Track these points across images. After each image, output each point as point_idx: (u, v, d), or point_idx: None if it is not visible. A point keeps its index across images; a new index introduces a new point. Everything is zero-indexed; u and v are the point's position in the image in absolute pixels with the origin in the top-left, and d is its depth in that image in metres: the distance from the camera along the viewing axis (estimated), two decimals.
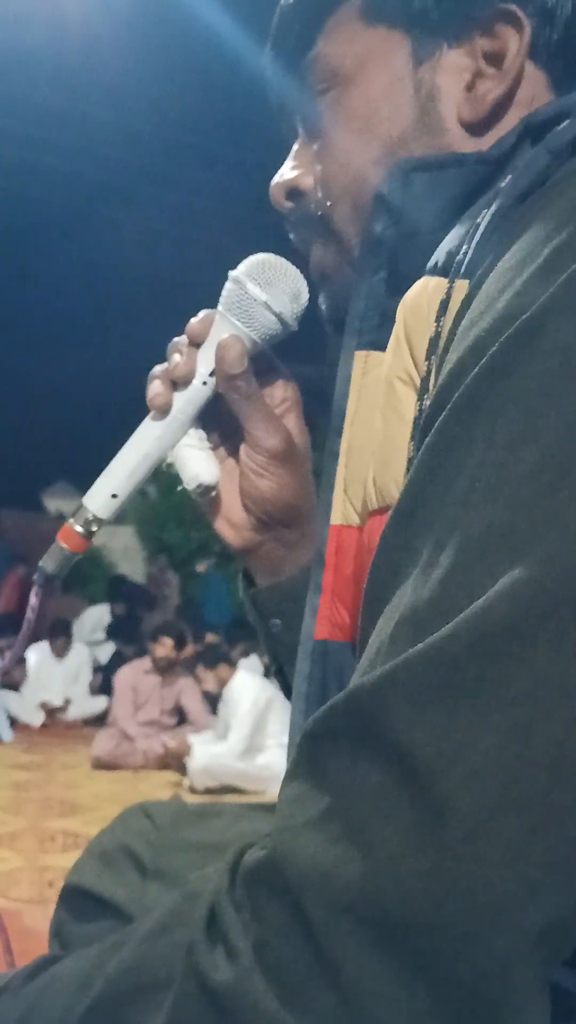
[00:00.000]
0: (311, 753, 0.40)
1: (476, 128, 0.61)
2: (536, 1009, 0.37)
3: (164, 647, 5.76)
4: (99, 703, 6.80)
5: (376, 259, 0.59)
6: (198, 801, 1.08)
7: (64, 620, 7.62)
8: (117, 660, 7.17)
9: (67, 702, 6.90)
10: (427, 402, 0.47)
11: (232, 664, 5.44)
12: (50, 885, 2.90)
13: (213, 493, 0.72)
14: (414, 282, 0.52)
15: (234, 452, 0.73)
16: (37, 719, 6.69)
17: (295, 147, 0.69)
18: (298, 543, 0.74)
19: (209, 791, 4.67)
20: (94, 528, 0.70)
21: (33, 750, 5.74)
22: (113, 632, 8.40)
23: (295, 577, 0.73)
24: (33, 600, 0.69)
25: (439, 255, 0.51)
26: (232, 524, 0.74)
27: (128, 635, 8.01)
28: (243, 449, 0.71)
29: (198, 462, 0.71)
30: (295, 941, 0.37)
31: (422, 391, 0.49)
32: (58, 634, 7.17)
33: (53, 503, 12.25)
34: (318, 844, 0.37)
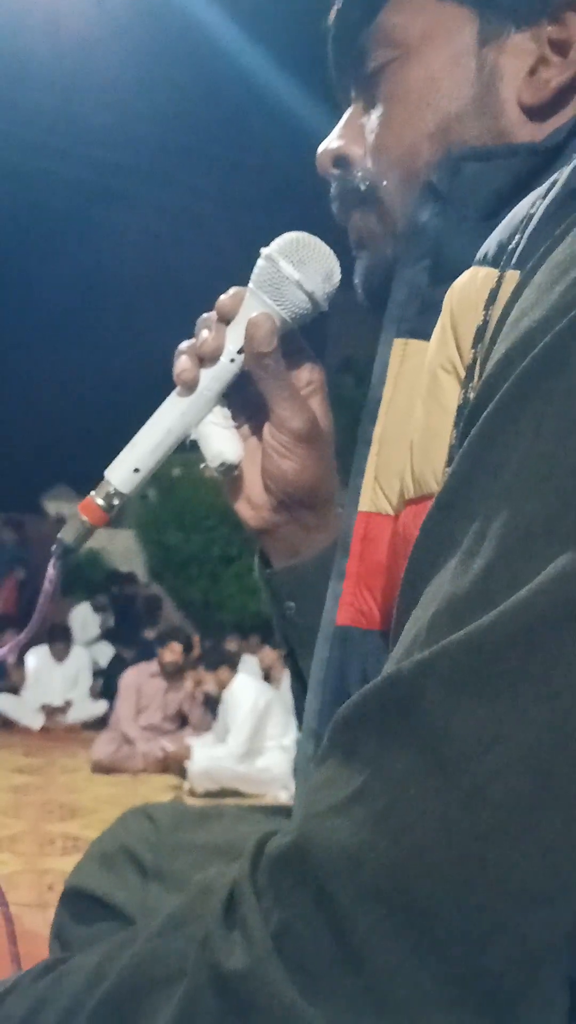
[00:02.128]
0: (342, 739, 0.40)
1: (534, 114, 0.61)
2: (558, 1003, 0.36)
3: (173, 652, 5.76)
4: (99, 706, 6.80)
5: (420, 247, 0.59)
6: (198, 804, 1.08)
7: (64, 624, 7.62)
8: (117, 664, 7.17)
9: (67, 704, 6.89)
10: (471, 391, 0.47)
11: (233, 667, 5.44)
12: (50, 888, 2.90)
13: (235, 472, 0.72)
14: (457, 271, 0.51)
15: (258, 432, 0.73)
16: (37, 722, 6.69)
17: (346, 115, 0.69)
18: (317, 526, 0.73)
19: (209, 794, 4.67)
20: (115, 502, 0.70)
21: (33, 753, 5.74)
22: (112, 635, 8.41)
23: (312, 560, 0.73)
24: (51, 571, 0.69)
25: (489, 245, 0.50)
26: (252, 504, 0.74)
27: (128, 638, 8.02)
28: (267, 428, 0.71)
29: (222, 440, 0.70)
30: (318, 927, 0.36)
31: (467, 380, 0.48)
32: (57, 637, 7.17)
33: (53, 506, 12.24)
34: (344, 829, 0.36)
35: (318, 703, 0.59)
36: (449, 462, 0.48)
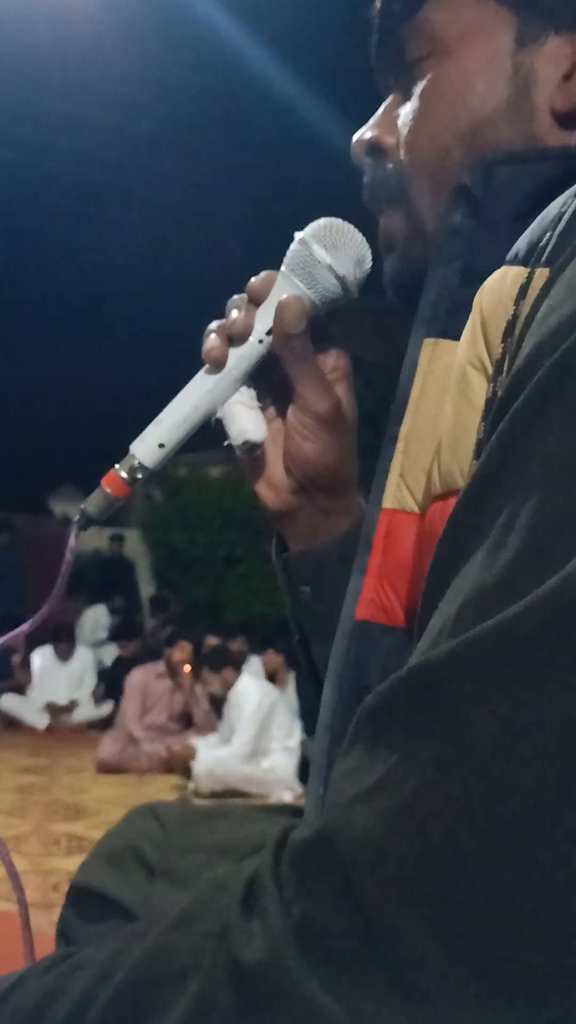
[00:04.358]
0: (367, 729, 0.39)
1: (566, 120, 0.61)
2: None
3: (183, 651, 5.76)
4: (104, 706, 6.81)
5: (452, 249, 0.59)
6: (204, 804, 1.08)
7: (67, 623, 7.63)
8: (120, 665, 7.18)
9: (72, 704, 6.90)
10: (500, 385, 0.47)
11: (238, 667, 5.44)
12: (55, 888, 2.90)
13: (258, 452, 0.72)
14: (488, 272, 0.52)
15: (282, 415, 0.73)
16: (42, 722, 6.70)
17: (384, 105, 0.69)
18: (335, 511, 0.74)
19: (214, 794, 4.67)
20: (139, 476, 0.70)
21: (38, 753, 5.74)
22: (116, 635, 8.42)
23: (329, 545, 0.73)
24: (72, 542, 0.69)
25: (520, 245, 0.51)
26: (272, 486, 0.74)
27: (130, 637, 8.02)
28: (291, 410, 0.72)
29: (247, 419, 0.71)
30: (342, 917, 0.35)
31: (496, 373, 0.48)
32: (62, 637, 7.18)
33: (59, 506, 12.26)
34: (369, 817, 0.36)
35: (334, 697, 0.59)
36: (476, 456, 0.48)
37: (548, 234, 0.48)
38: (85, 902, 0.78)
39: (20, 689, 6.95)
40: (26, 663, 7.10)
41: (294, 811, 0.86)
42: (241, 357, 0.70)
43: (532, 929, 0.33)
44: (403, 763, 0.36)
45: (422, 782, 0.35)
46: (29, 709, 6.76)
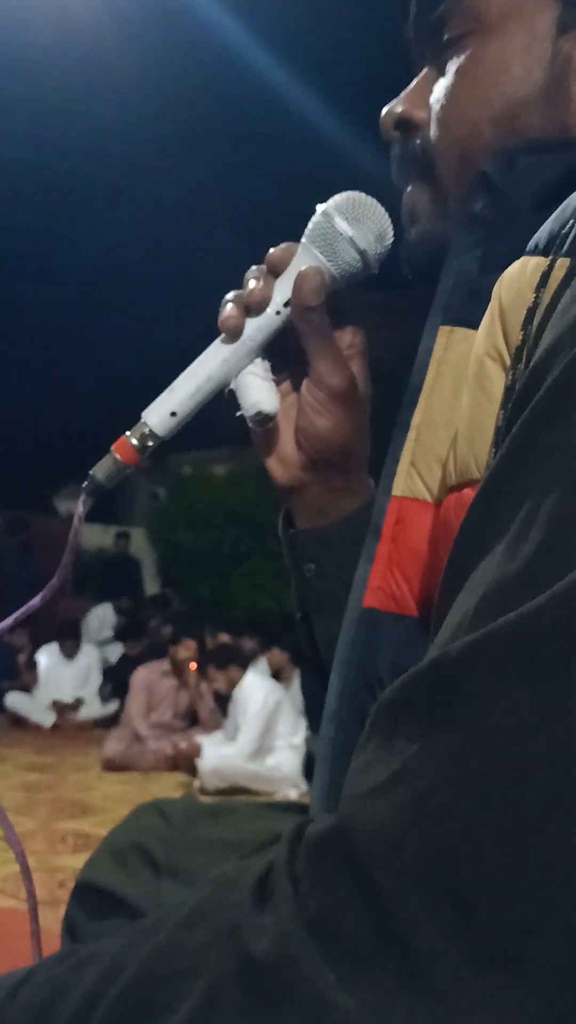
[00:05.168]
0: (385, 722, 0.39)
1: None
2: None
3: (187, 649, 5.77)
4: (110, 704, 6.82)
5: (472, 237, 0.59)
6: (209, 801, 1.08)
7: (73, 621, 7.63)
8: (126, 663, 7.18)
9: (78, 702, 6.91)
10: (519, 373, 0.47)
11: (243, 665, 5.44)
12: (61, 886, 2.91)
13: (270, 424, 0.72)
14: (507, 261, 0.51)
15: (295, 389, 0.73)
16: (48, 720, 6.71)
17: (416, 79, 0.69)
18: (344, 490, 0.73)
19: (219, 792, 4.67)
20: (149, 443, 0.70)
21: (44, 751, 5.75)
22: (122, 633, 8.43)
23: (337, 523, 0.73)
24: (80, 508, 0.69)
25: (540, 235, 0.50)
26: (282, 460, 0.74)
27: (135, 635, 8.02)
28: (305, 384, 0.71)
29: (260, 391, 0.70)
30: (359, 912, 0.35)
31: (515, 361, 0.48)
32: (67, 635, 7.19)
33: (64, 505, 12.26)
34: (386, 811, 0.36)
35: (340, 684, 0.59)
36: (495, 444, 0.48)
37: (570, 223, 0.48)
38: (91, 899, 0.78)
39: (26, 690, 6.96)
40: (32, 665, 7.10)
41: (300, 808, 0.86)
42: (258, 328, 0.70)
43: (549, 925, 0.33)
44: (420, 756, 0.36)
45: (439, 775, 0.35)
46: (35, 707, 6.78)
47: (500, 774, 0.34)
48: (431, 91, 0.66)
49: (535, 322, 0.46)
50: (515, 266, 0.50)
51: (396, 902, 0.34)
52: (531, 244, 0.50)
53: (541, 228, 0.51)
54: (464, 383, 0.53)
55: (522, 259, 0.50)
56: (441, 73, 0.66)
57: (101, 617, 8.77)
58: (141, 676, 5.86)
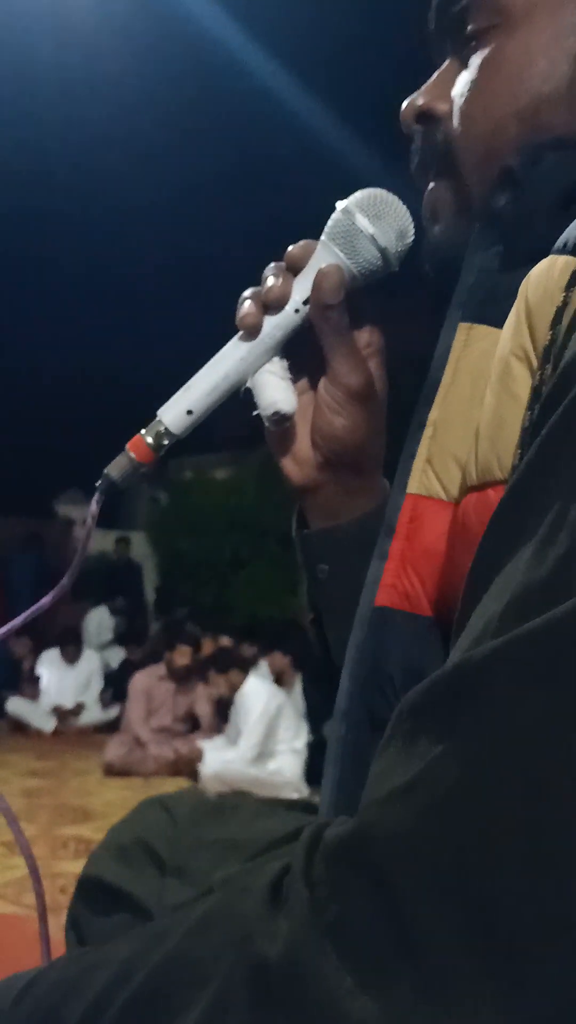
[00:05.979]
0: (406, 726, 0.38)
1: None
2: None
3: (183, 655, 5.76)
4: (111, 709, 6.81)
5: (493, 233, 0.58)
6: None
7: (74, 627, 7.63)
8: (126, 667, 7.17)
9: (79, 707, 6.91)
10: (548, 372, 0.46)
11: (244, 669, 5.43)
12: (62, 892, 2.90)
13: (287, 424, 0.71)
14: (529, 258, 0.51)
15: (312, 388, 0.72)
16: (49, 725, 6.70)
17: (438, 72, 0.68)
18: (359, 490, 0.73)
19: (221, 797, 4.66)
20: (164, 442, 0.69)
21: (45, 757, 5.74)
22: (122, 638, 8.42)
23: (350, 524, 0.72)
24: (93, 507, 0.68)
25: (569, 234, 0.49)
26: (297, 460, 0.73)
27: (137, 640, 8.02)
28: (322, 383, 0.70)
29: (277, 389, 0.70)
30: (377, 918, 0.34)
31: (543, 361, 0.47)
32: (68, 640, 7.18)
33: (65, 511, 12.26)
34: (406, 816, 0.35)
35: (349, 683, 0.58)
36: (521, 445, 0.47)
37: None
38: (95, 895, 0.78)
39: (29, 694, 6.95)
40: (34, 678, 7.07)
41: (304, 806, 0.85)
42: (276, 326, 0.69)
43: (567, 936, 0.32)
44: (441, 761, 0.36)
45: (459, 782, 0.35)
46: (36, 712, 6.77)
47: (520, 782, 0.34)
48: (453, 84, 0.66)
49: (564, 322, 0.46)
50: (542, 265, 0.50)
51: (414, 909, 0.34)
52: (559, 243, 0.50)
53: (569, 227, 0.50)
54: (483, 381, 0.52)
55: (549, 257, 0.49)
56: (464, 66, 0.65)
57: (98, 621, 8.76)
58: (139, 681, 5.85)
